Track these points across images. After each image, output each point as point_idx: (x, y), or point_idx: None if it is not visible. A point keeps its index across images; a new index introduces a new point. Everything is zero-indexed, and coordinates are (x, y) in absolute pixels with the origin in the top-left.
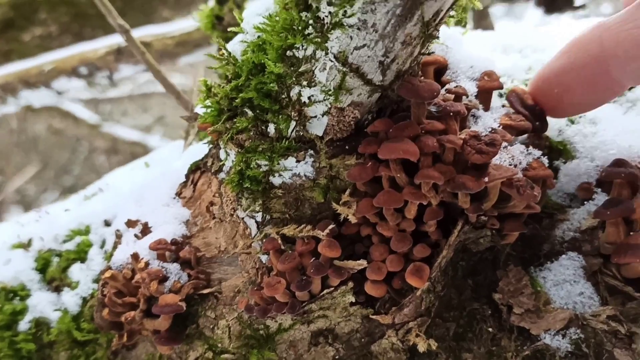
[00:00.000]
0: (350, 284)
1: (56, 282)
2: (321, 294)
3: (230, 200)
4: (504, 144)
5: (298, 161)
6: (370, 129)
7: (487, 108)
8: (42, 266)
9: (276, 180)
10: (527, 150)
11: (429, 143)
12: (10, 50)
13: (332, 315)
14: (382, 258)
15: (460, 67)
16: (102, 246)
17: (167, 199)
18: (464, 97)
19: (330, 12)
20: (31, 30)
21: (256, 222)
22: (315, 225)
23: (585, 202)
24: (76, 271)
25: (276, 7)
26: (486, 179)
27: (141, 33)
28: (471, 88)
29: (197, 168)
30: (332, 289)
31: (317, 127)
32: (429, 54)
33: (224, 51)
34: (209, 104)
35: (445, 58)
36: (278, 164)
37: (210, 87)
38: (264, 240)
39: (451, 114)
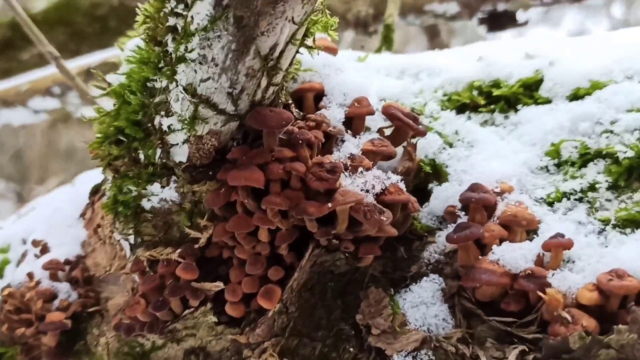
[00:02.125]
0: (209, 305)
1: None
2: (183, 314)
3: (108, 222)
4: (360, 169)
5: (163, 187)
6: (229, 156)
7: (356, 133)
8: None
9: (146, 204)
10: (386, 175)
11: (274, 170)
12: (10, 68)
13: (201, 334)
14: (238, 280)
15: (334, 94)
16: (17, 264)
17: (72, 220)
18: (325, 124)
19: (174, 47)
20: (29, 49)
21: (130, 244)
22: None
23: (449, 225)
24: None
25: (141, 41)
26: (329, 205)
27: (106, 55)
28: (340, 114)
29: (96, 190)
30: (193, 309)
31: (179, 154)
32: (279, 84)
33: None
34: (99, 132)
35: (321, 84)
36: (145, 189)
37: (101, 114)
38: (133, 263)
39: (300, 141)
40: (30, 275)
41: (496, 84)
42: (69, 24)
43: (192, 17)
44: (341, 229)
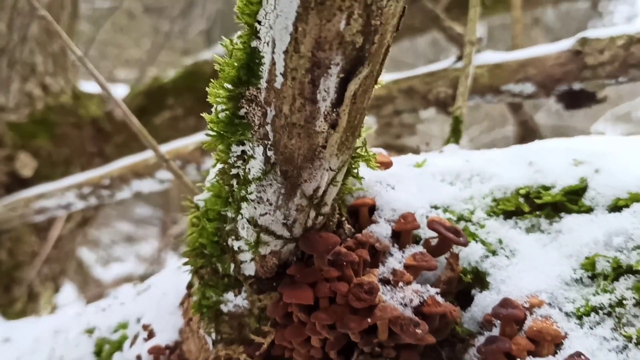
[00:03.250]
0: None
1: None
2: None
3: (196, 320)
4: (400, 283)
5: (235, 295)
6: (288, 272)
7: (402, 247)
8: (98, 350)
9: (224, 308)
10: (425, 288)
11: (322, 289)
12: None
13: None
14: None
15: (384, 210)
16: (130, 344)
17: (173, 308)
18: (370, 240)
19: (237, 189)
20: (161, 114)
21: (212, 340)
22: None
23: (487, 332)
24: (115, 358)
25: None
26: (369, 320)
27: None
28: (387, 230)
29: (190, 285)
30: None
31: (248, 269)
32: (326, 214)
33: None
34: (189, 240)
35: (373, 200)
36: (222, 296)
37: (193, 223)
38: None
39: (345, 263)
40: (138, 357)
41: (543, 190)
42: (194, 90)
43: (249, 169)
44: (382, 338)
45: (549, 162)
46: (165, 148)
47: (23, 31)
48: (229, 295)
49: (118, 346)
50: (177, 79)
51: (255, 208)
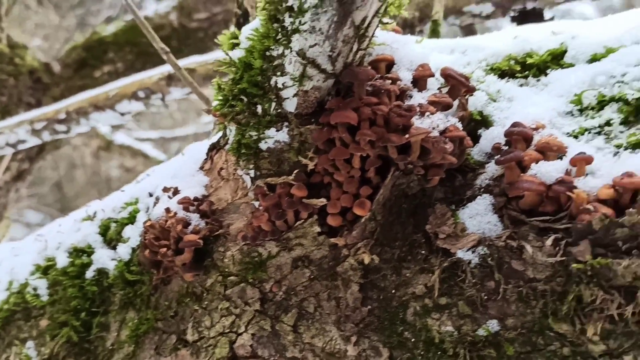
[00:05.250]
0: (315, 217)
1: (114, 242)
2: (295, 224)
3: (232, 163)
4: (427, 113)
5: (277, 130)
6: (327, 106)
7: (421, 90)
8: (104, 230)
9: (263, 145)
10: (446, 118)
11: (365, 111)
12: (84, 85)
13: (306, 244)
14: (337, 197)
15: (403, 62)
16: (147, 211)
17: (193, 172)
18: (398, 82)
19: (290, 22)
20: (101, 68)
21: (250, 177)
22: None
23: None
24: (128, 230)
25: (259, 23)
26: (407, 136)
27: (188, 62)
28: (408, 76)
29: (213, 147)
30: (303, 220)
31: (290, 105)
32: (365, 49)
33: (227, 57)
34: (220, 97)
35: (392, 56)
36: (263, 133)
37: (220, 85)
38: (255, 189)
39: (382, 91)
40: (167, 210)
41: (529, 55)
42: (135, 44)
43: None
44: (414, 157)
45: (532, 35)
46: (128, 80)
47: None
48: (270, 132)
49: (129, 221)
50: (118, 33)
51: (306, 39)
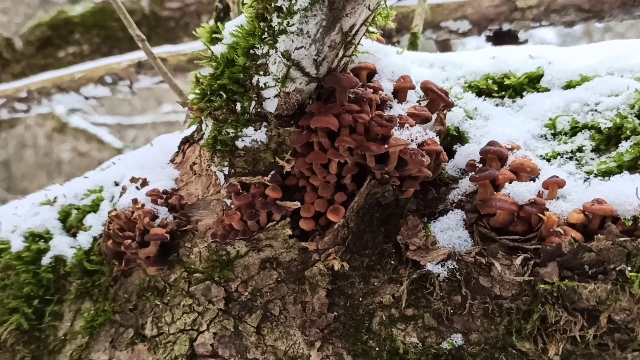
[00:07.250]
0: (288, 219)
1: (74, 230)
2: (267, 225)
3: (206, 159)
4: (406, 125)
5: (255, 130)
6: (308, 109)
7: (401, 101)
8: (64, 217)
9: (240, 143)
10: (425, 131)
11: (346, 118)
12: (47, 64)
13: (276, 246)
14: (312, 201)
15: (385, 72)
16: (111, 200)
17: (163, 164)
18: (380, 91)
19: (278, 22)
20: (66, 48)
21: (224, 174)
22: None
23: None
24: (90, 219)
25: (245, 20)
26: (386, 146)
27: (159, 50)
28: (389, 87)
29: (186, 140)
30: (275, 222)
31: (270, 106)
32: (349, 56)
33: (207, 50)
34: (197, 91)
35: (374, 65)
36: (241, 131)
37: (199, 79)
38: (228, 187)
39: (364, 99)
40: (134, 201)
41: (507, 76)
42: (103, 28)
43: (296, 0)
44: (391, 167)
45: (509, 56)
46: (95, 64)
47: None
48: (248, 130)
49: (91, 209)
50: (86, 15)
51: (292, 41)
